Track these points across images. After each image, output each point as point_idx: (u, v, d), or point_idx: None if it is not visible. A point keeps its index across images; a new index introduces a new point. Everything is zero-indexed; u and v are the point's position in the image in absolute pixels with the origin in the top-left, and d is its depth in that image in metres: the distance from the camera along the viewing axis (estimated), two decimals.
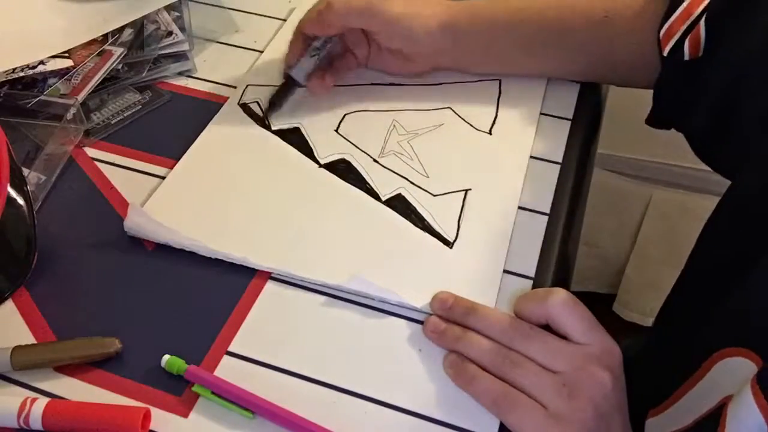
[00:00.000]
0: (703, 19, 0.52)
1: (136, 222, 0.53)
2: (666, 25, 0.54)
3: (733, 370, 0.43)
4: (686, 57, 0.53)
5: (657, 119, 0.60)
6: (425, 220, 0.55)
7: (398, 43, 0.60)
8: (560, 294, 0.45)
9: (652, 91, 0.58)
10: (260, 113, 0.62)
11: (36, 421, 0.43)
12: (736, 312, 0.45)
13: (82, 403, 0.45)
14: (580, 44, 0.60)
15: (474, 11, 0.60)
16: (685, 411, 0.46)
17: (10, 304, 0.50)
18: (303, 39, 0.61)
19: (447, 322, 0.47)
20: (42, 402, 0.44)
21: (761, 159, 0.47)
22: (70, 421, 0.44)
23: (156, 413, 0.45)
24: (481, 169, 0.58)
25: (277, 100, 0.62)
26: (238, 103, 0.63)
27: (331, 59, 0.63)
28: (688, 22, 0.53)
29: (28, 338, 0.48)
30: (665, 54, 0.54)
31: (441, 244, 0.53)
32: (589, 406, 0.42)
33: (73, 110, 0.60)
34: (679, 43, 0.53)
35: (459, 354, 0.46)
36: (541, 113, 0.62)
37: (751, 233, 0.46)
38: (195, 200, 0.56)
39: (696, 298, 0.52)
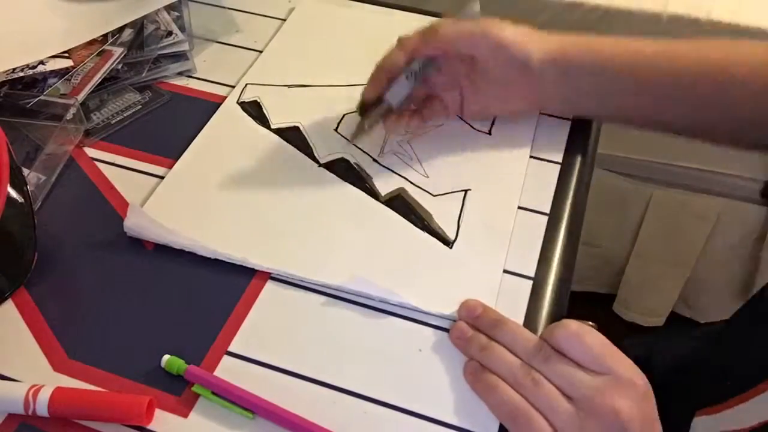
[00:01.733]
0: None
1: (135, 222, 0.53)
2: None
3: None
4: None
5: None
6: (425, 220, 0.55)
7: (505, 72, 0.55)
8: (567, 326, 0.44)
9: None
10: (255, 113, 0.62)
11: (42, 407, 0.44)
12: None
13: (88, 391, 0.46)
14: (699, 96, 0.54)
15: (591, 47, 0.55)
16: (748, 413, 0.45)
17: (10, 304, 0.50)
18: (389, 69, 0.56)
19: (473, 329, 0.47)
20: (48, 389, 0.44)
21: None
22: (76, 408, 0.44)
23: (156, 413, 0.45)
24: (480, 169, 0.58)
25: (365, 125, 0.57)
26: (237, 102, 0.63)
27: (420, 103, 0.59)
28: None
29: (28, 338, 0.48)
30: None
31: (441, 244, 0.53)
32: None
33: (73, 110, 0.60)
34: None
35: (479, 363, 0.46)
36: (541, 113, 0.63)
37: None
38: (194, 200, 0.56)
39: None
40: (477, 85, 0.58)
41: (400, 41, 0.55)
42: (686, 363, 0.47)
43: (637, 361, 0.44)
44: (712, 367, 0.52)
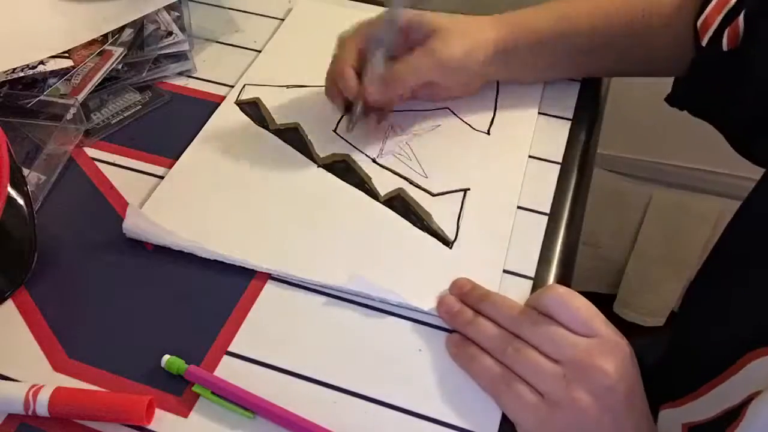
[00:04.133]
0: (743, 13, 0.52)
1: (134, 224, 0.53)
2: (702, 16, 0.55)
3: None
4: (724, 48, 0.54)
5: (680, 100, 0.60)
6: (424, 220, 0.55)
7: (457, 82, 0.61)
8: (555, 289, 0.45)
9: (652, 89, 0.58)
10: (254, 114, 0.62)
11: (42, 407, 0.44)
12: None
13: (88, 391, 0.46)
14: (622, 47, 0.60)
15: (522, 26, 0.60)
16: (708, 405, 0.46)
17: (10, 304, 0.50)
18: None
19: (462, 305, 0.49)
20: (48, 389, 0.44)
21: None
22: (76, 408, 0.44)
23: (156, 413, 0.45)
24: (479, 169, 0.58)
25: (351, 119, 0.60)
26: (236, 102, 0.63)
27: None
28: (724, 12, 0.54)
29: (28, 338, 0.48)
30: (704, 44, 0.55)
31: (441, 244, 0.53)
32: (588, 396, 0.42)
33: (73, 110, 0.60)
34: (717, 34, 0.54)
35: (463, 336, 0.47)
36: (541, 113, 0.63)
37: None
38: (193, 201, 0.56)
39: (725, 292, 0.51)
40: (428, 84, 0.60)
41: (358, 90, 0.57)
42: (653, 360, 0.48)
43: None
44: (676, 362, 0.53)
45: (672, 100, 0.61)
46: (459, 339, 0.47)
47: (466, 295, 0.49)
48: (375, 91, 0.57)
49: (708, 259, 0.53)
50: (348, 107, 0.60)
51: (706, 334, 0.50)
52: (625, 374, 0.43)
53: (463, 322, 0.47)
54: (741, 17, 0.53)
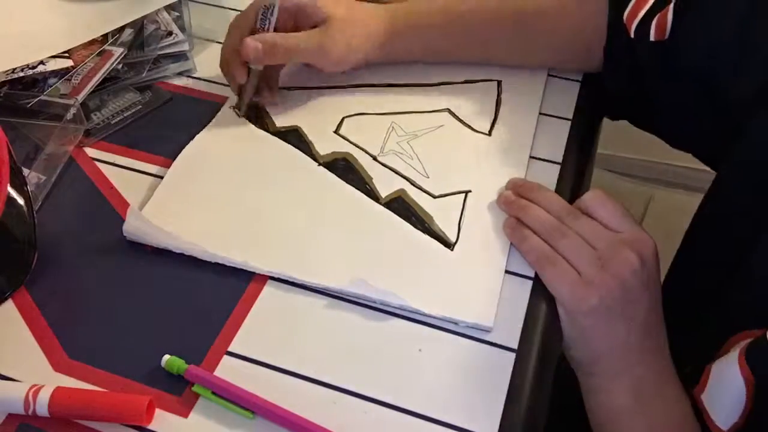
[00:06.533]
0: (672, 4, 0.55)
1: (134, 226, 0.53)
2: (629, 7, 0.58)
3: None
4: (652, 38, 0.56)
5: (613, 92, 0.63)
6: (425, 222, 0.55)
7: (334, 67, 0.63)
8: (594, 191, 0.53)
9: None
10: (254, 115, 0.62)
11: (42, 407, 0.44)
12: (753, 290, 0.49)
13: (88, 391, 0.46)
14: (506, 48, 0.64)
15: (413, 14, 0.62)
16: None
17: (10, 304, 0.50)
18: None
19: (517, 196, 0.55)
20: (48, 389, 0.44)
21: (762, 130, 0.51)
22: (76, 408, 0.44)
23: (156, 413, 0.45)
24: (481, 171, 0.58)
25: (244, 97, 0.62)
26: (235, 107, 0.63)
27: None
28: (650, 3, 0.57)
29: (28, 338, 0.48)
30: (632, 35, 0.58)
31: (442, 246, 0.53)
32: (615, 278, 0.49)
33: (73, 110, 0.60)
34: (644, 24, 0.57)
35: (518, 220, 0.54)
36: (541, 113, 0.63)
37: (761, 201, 0.49)
38: (193, 203, 0.56)
39: (706, 279, 0.56)
40: None
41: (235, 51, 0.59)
42: None
43: None
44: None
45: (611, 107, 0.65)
46: (514, 222, 0.54)
47: (521, 188, 0.56)
48: (252, 50, 0.58)
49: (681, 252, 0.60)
50: (240, 91, 0.62)
51: (688, 326, 0.54)
52: (647, 264, 0.49)
53: (518, 207, 0.54)
54: (671, 7, 0.55)
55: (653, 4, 0.57)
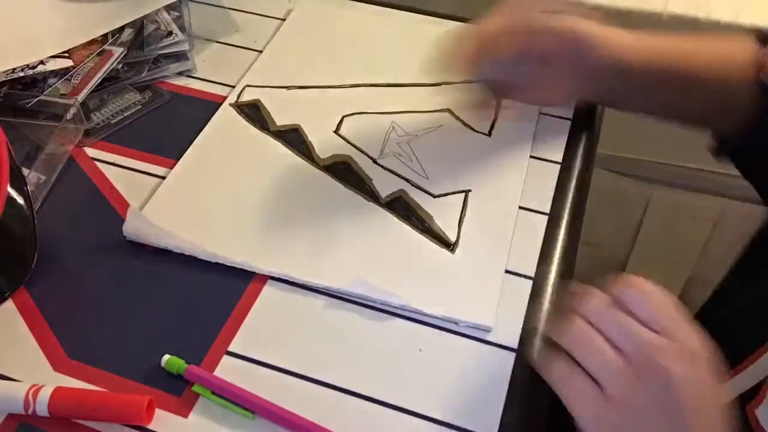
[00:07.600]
0: None
1: (135, 227, 0.53)
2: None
3: None
4: None
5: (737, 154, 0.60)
6: (425, 222, 0.55)
7: (579, 73, 0.57)
8: (639, 284, 0.41)
9: None
10: (254, 115, 0.62)
11: (42, 407, 0.44)
12: None
13: (88, 391, 0.46)
14: (708, 96, 0.58)
15: (650, 51, 0.57)
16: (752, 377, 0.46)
17: (10, 304, 0.50)
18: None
19: None
20: (48, 389, 0.44)
21: None
22: (76, 407, 0.44)
23: (156, 413, 0.45)
24: (481, 170, 0.58)
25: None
26: (235, 104, 0.63)
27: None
28: None
29: (28, 338, 0.48)
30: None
31: (442, 246, 0.53)
32: (649, 399, 0.38)
33: (73, 110, 0.60)
34: None
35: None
36: (541, 113, 0.63)
37: None
38: (194, 203, 0.56)
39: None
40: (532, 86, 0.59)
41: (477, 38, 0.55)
42: None
43: None
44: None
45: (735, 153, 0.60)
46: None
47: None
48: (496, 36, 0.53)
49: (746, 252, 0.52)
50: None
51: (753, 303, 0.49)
52: (693, 377, 0.39)
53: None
54: None
55: None
